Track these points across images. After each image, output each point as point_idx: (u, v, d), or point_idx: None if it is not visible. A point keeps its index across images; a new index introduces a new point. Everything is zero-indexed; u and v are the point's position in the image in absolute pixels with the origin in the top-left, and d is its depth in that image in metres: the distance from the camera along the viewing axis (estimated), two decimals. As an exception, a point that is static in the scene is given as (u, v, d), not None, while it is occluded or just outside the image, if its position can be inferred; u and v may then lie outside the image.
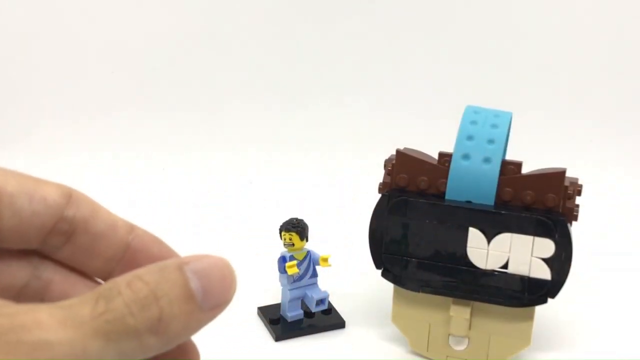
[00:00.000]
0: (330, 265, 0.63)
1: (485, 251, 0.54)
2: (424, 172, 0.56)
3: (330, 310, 0.65)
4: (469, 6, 1.05)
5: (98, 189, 0.89)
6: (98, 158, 0.95)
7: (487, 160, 0.54)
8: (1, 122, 1.00)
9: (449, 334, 0.58)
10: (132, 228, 0.31)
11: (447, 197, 0.55)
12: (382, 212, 0.57)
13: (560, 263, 0.53)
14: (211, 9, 1.03)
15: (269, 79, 1.04)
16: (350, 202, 0.87)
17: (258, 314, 0.66)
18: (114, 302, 0.24)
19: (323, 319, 0.65)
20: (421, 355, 0.60)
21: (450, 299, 0.56)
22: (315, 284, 0.64)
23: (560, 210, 0.53)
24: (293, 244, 0.62)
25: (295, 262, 0.62)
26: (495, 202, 0.54)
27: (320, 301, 0.63)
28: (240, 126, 1.01)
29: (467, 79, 1.04)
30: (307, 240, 0.63)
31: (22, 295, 0.30)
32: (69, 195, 0.29)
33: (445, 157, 0.56)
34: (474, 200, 0.55)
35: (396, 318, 0.60)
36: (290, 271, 0.62)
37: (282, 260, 0.62)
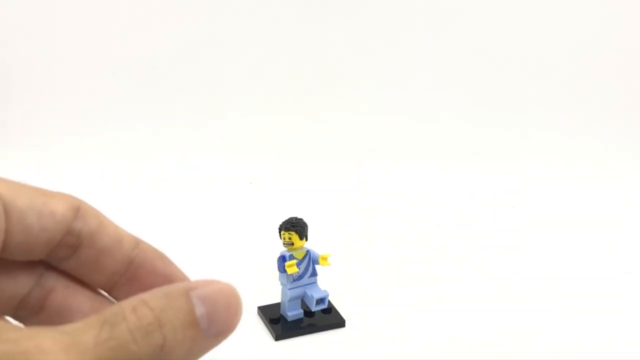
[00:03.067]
0: (329, 265, 0.63)
1: None
2: None
3: (330, 310, 0.65)
4: (468, 11, 1.05)
5: (98, 187, 0.89)
6: (98, 157, 0.95)
7: None
8: (1, 122, 1.00)
9: None
10: (137, 243, 0.31)
11: None
12: None
13: None
14: (214, 14, 1.03)
15: (269, 81, 1.04)
16: (350, 202, 0.87)
17: (258, 313, 0.66)
18: (118, 328, 0.24)
19: (323, 318, 0.65)
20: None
21: None
22: (315, 283, 0.64)
23: None
24: (292, 243, 0.62)
25: (294, 261, 0.62)
26: None
27: (320, 300, 0.63)
28: (240, 127, 1.01)
29: (466, 82, 1.05)
30: (306, 240, 0.63)
31: (23, 302, 0.30)
32: (77, 208, 0.29)
33: None
34: None
35: None
36: (289, 270, 0.62)
37: (282, 259, 0.62)
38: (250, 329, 0.64)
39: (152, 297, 0.25)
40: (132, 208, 0.85)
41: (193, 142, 0.99)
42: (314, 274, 0.64)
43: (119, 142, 0.98)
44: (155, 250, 0.31)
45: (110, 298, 0.31)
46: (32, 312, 0.30)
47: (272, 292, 0.67)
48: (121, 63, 1.02)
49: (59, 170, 0.92)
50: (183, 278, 0.30)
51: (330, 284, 0.66)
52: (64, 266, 0.30)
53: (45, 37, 1.02)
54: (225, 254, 0.75)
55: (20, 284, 0.30)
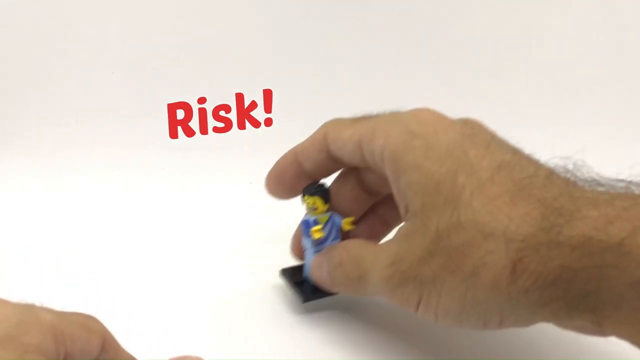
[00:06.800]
0: (353, 228, 0.63)
1: None
2: None
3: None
4: (468, 11, 1.05)
5: (98, 188, 0.89)
6: (98, 157, 0.95)
7: None
8: (2, 123, 1.00)
9: None
10: None
11: None
12: None
13: None
14: (214, 14, 1.03)
15: (269, 81, 1.04)
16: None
17: (280, 276, 0.65)
18: None
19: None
20: None
21: None
22: (338, 245, 0.64)
23: None
24: (316, 208, 0.62)
25: (320, 226, 0.62)
26: None
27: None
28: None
29: (465, 82, 1.05)
30: (329, 203, 0.63)
31: None
32: (104, 340, 0.37)
33: None
34: None
35: None
36: (315, 235, 0.62)
37: (306, 224, 0.62)
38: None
39: None
40: (132, 208, 0.85)
41: (193, 142, 0.99)
42: (337, 237, 0.63)
43: (119, 142, 0.98)
44: None
45: None
46: None
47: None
48: (121, 63, 1.02)
49: (59, 171, 0.92)
50: None
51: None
52: None
53: (44, 37, 1.02)
54: (224, 254, 0.75)
55: None
